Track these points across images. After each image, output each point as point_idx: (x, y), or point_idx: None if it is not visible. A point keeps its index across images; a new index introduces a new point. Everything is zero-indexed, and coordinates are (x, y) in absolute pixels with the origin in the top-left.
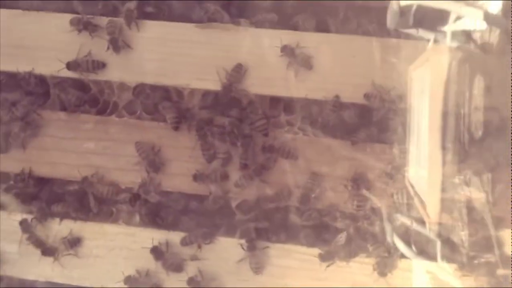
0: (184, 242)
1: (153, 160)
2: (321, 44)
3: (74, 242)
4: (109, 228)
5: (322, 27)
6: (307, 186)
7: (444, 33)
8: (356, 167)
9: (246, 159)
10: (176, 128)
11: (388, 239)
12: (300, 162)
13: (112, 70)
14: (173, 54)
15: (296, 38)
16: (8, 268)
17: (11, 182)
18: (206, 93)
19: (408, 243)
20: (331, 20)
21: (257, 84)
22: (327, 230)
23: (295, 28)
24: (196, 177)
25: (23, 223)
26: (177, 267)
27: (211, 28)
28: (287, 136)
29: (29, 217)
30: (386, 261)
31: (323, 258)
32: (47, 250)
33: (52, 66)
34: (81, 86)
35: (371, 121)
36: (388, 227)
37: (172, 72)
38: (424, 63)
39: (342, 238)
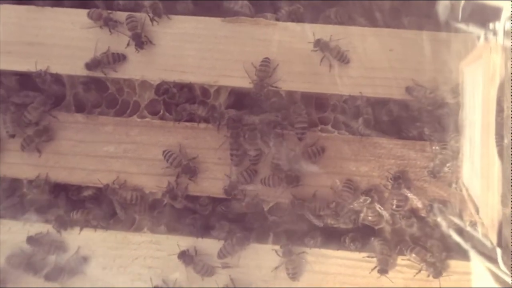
0: (222, 255)
1: (187, 165)
2: (356, 38)
3: (79, 262)
4: (132, 237)
5: (354, 21)
6: (343, 196)
7: (494, 30)
8: (397, 166)
9: (279, 159)
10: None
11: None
12: (336, 162)
13: (133, 68)
14: (199, 50)
15: (328, 32)
16: None
17: (24, 190)
18: (233, 91)
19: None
20: (364, 13)
21: (288, 80)
22: (367, 233)
23: (327, 22)
24: (227, 191)
25: (30, 240)
26: (208, 271)
27: (239, 22)
28: (315, 135)
29: (45, 226)
30: (435, 262)
31: (382, 271)
32: (49, 274)
33: (68, 64)
34: (97, 85)
35: (412, 118)
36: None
37: (198, 68)
38: (477, 59)
39: (375, 243)
